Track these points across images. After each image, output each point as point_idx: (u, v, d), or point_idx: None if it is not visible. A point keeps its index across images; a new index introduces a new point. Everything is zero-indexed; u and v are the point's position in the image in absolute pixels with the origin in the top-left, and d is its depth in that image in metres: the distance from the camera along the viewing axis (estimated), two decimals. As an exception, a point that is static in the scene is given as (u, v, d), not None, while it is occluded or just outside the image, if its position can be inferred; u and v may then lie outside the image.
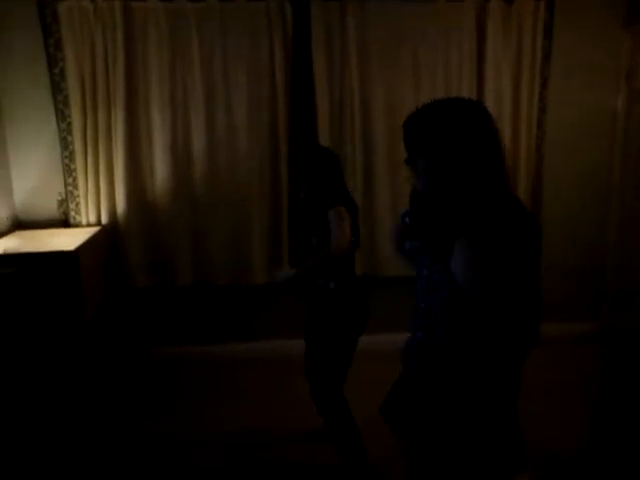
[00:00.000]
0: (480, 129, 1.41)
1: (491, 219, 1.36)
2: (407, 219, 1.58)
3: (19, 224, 3.57)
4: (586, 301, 4.11)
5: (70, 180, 3.56)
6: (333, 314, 2.46)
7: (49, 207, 3.59)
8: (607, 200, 3.98)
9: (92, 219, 3.59)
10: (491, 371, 1.44)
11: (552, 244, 3.85)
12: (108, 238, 3.58)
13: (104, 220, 3.58)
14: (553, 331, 3.73)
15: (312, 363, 2.58)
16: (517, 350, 1.41)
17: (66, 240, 3.19)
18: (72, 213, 3.59)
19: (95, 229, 3.49)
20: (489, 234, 1.34)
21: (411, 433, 1.63)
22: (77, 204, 3.58)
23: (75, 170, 3.54)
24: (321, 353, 2.49)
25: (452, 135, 1.39)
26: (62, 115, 3.47)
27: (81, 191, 3.56)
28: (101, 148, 3.50)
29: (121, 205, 3.56)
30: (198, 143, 3.57)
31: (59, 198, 3.58)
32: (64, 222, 3.60)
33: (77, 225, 3.60)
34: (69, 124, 3.47)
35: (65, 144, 3.50)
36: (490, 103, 3.58)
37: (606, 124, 3.87)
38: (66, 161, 3.53)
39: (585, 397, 2.52)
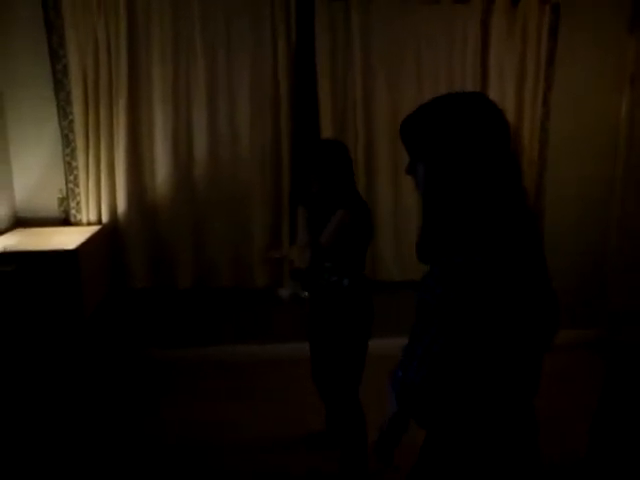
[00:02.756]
0: (488, 126, 1.17)
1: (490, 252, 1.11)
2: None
3: (19, 221, 3.55)
4: (587, 308, 4.07)
5: (71, 178, 3.53)
6: (348, 312, 2.41)
7: (50, 205, 3.57)
8: (609, 206, 3.96)
9: (93, 218, 3.57)
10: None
11: (553, 251, 3.82)
12: (109, 237, 3.57)
13: (105, 219, 3.56)
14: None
15: (326, 366, 2.54)
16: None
17: (66, 238, 3.18)
18: (73, 211, 3.57)
19: (95, 228, 3.47)
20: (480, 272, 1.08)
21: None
22: (78, 202, 3.57)
23: (77, 168, 3.51)
24: (337, 354, 2.43)
25: (454, 133, 1.17)
26: (64, 112, 3.45)
27: (82, 189, 3.54)
28: (103, 146, 3.48)
29: (122, 204, 3.55)
30: (200, 141, 3.55)
31: (60, 196, 3.57)
32: (64, 220, 3.58)
33: (78, 223, 3.58)
34: (71, 121, 3.45)
35: (67, 141, 3.48)
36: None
37: (610, 129, 3.84)
38: (67, 159, 3.51)
39: (585, 406, 2.50)
